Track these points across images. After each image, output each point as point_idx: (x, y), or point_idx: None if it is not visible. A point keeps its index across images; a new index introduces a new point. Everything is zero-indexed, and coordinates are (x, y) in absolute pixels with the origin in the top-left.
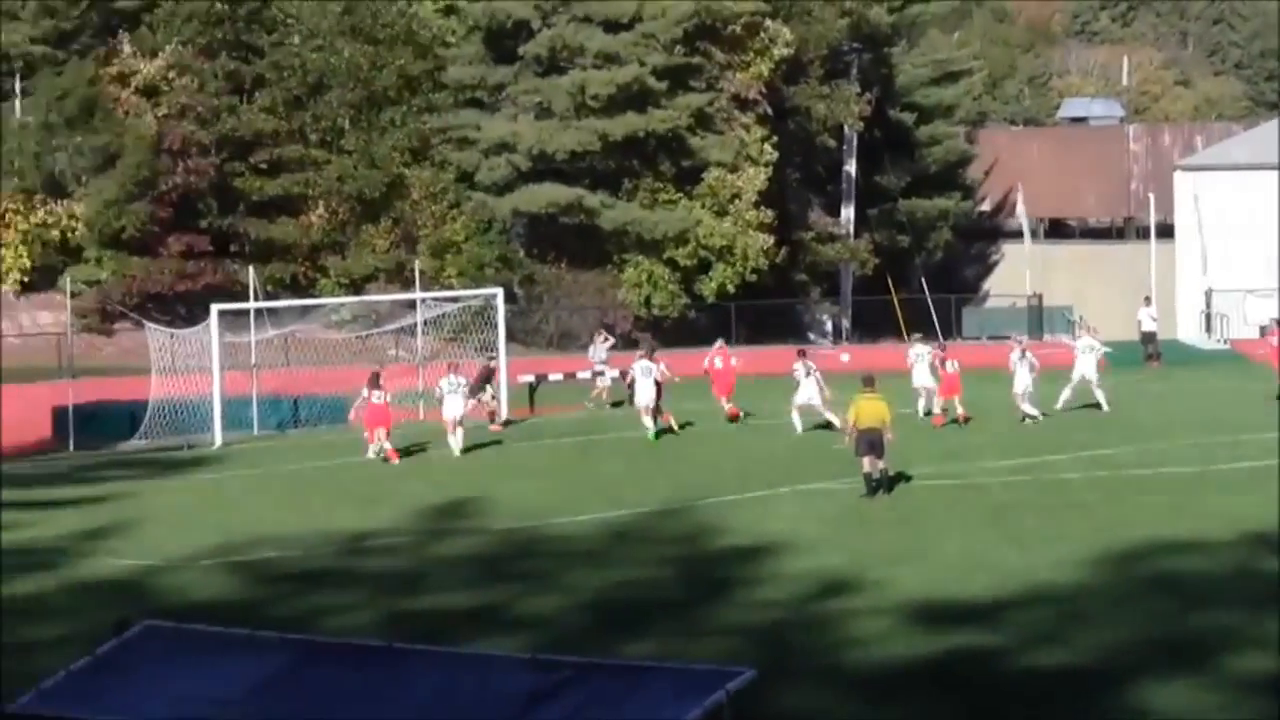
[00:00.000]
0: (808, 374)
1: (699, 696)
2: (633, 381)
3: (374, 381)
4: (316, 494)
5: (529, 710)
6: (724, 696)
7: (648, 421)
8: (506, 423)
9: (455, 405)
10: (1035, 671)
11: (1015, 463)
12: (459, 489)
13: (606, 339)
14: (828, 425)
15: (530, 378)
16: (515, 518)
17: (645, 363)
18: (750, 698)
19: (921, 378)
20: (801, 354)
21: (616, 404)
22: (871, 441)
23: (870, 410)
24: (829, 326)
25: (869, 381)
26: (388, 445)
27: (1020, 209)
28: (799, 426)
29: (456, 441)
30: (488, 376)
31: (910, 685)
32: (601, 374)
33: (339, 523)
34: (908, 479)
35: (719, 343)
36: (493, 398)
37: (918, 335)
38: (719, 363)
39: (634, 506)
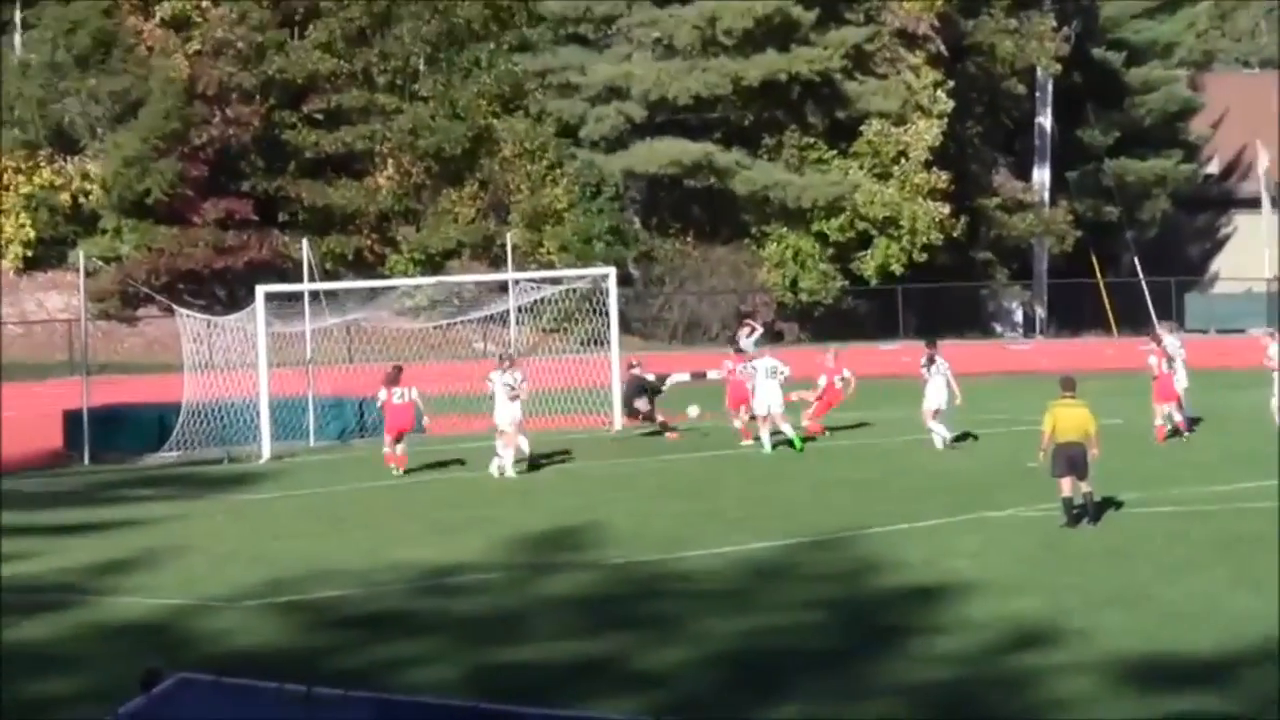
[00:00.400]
0: (935, 373)
1: None
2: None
3: (394, 378)
4: (387, 519)
5: None
6: None
7: (764, 434)
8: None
9: (510, 410)
10: None
11: (1252, 486)
12: (564, 514)
13: (752, 331)
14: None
15: (650, 377)
16: (633, 550)
17: (770, 361)
18: None
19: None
20: (931, 348)
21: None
22: (1072, 459)
23: (1070, 420)
24: (1019, 316)
25: (1069, 385)
26: (398, 449)
27: (1260, 171)
28: (940, 438)
29: (507, 457)
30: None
31: None
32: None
33: (415, 554)
34: (1117, 505)
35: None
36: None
37: (1168, 324)
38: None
39: (780, 537)
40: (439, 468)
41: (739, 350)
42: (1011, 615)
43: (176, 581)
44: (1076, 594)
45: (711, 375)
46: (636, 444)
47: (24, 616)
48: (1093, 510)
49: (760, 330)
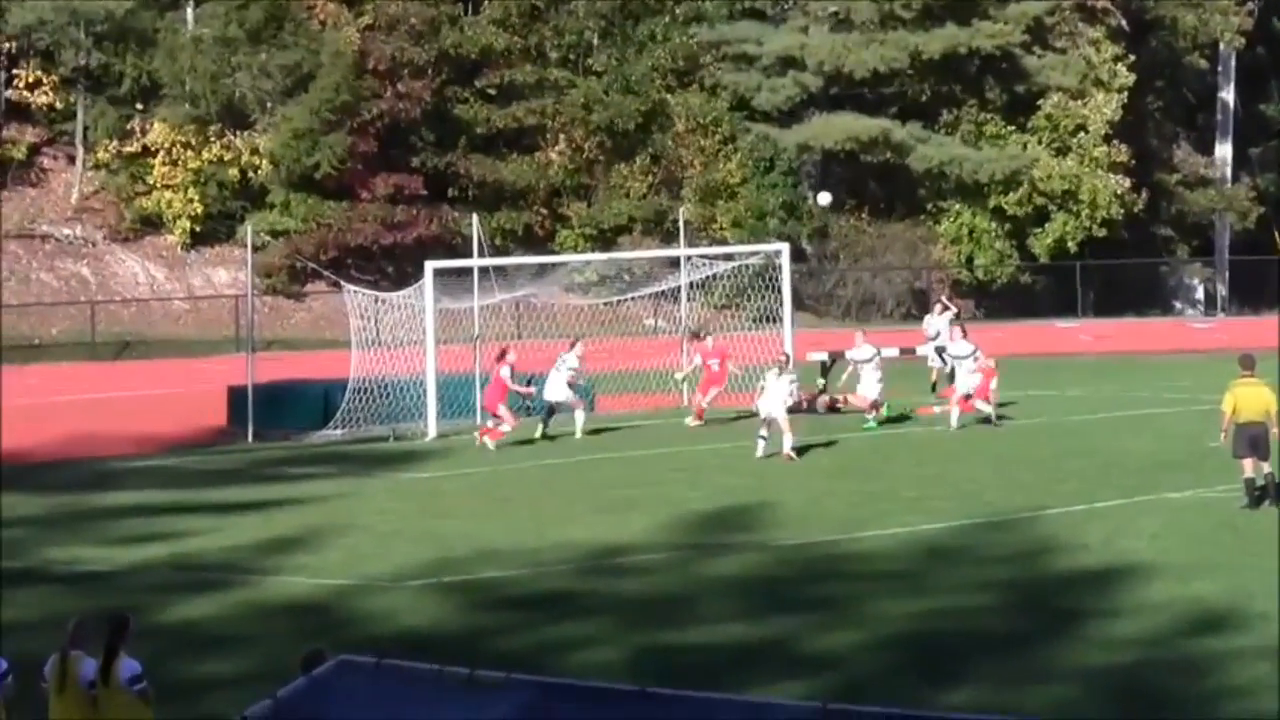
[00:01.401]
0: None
1: None
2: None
3: (501, 357)
4: (554, 498)
5: None
6: None
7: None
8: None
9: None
10: None
11: None
12: (733, 494)
13: (945, 309)
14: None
15: (823, 355)
16: (804, 530)
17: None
18: None
19: None
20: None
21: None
22: (1254, 438)
23: (1251, 399)
24: (1200, 293)
25: (1248, 364)
26: (491, 423)
27: None
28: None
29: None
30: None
31: None
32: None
33: (581, 534)
34: None
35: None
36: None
37: None
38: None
39: (954, 518)
40: (609, 446)
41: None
42: (1191, 598)
43: (340, 561)
44: (1258, 576)
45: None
46: (810, 422)
47: (187, 595)
48: (1274, 491)
49: (953, 311)
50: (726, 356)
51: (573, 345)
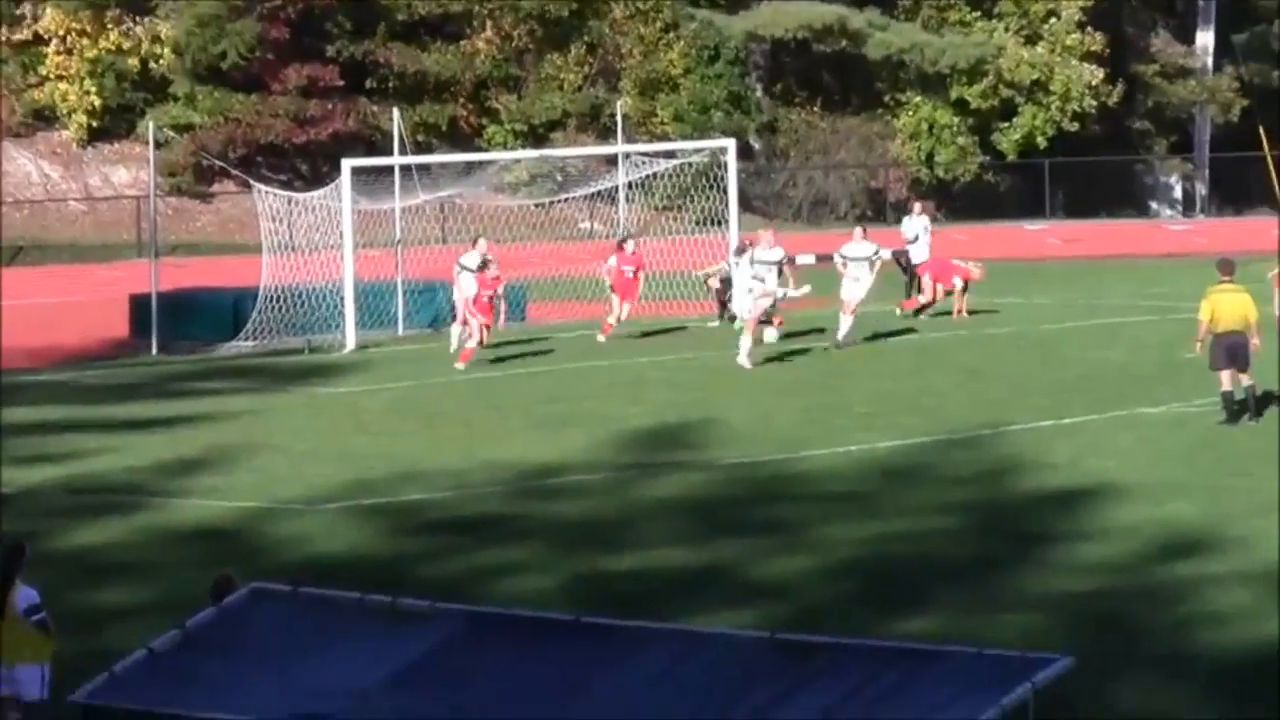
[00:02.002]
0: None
1: (996, 692)
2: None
3: (482, 267)
4: (482, 415)
5: (768, 711)
6: (1030, 692)
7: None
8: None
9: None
10: None
11: None
12: (675, 410)
13: (923, 212)
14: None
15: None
16: (751, 449)
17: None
18: (1065, 693)
19: None
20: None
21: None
22: (1232, 349)
23: (1231, 307)
24: (1178, 192)
25: (1228, 269)
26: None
27: None
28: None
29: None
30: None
31: None
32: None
33: (512, 454)
34: None
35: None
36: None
37: None
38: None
39: (911, 435)
40: (540, 358)
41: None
42: (1164, 520)
43: (251, 483)
44: (1237, 497)
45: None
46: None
47: (88, 520)
48: (1255, 405)
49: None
50: (642, 266)
51: (474, 243)
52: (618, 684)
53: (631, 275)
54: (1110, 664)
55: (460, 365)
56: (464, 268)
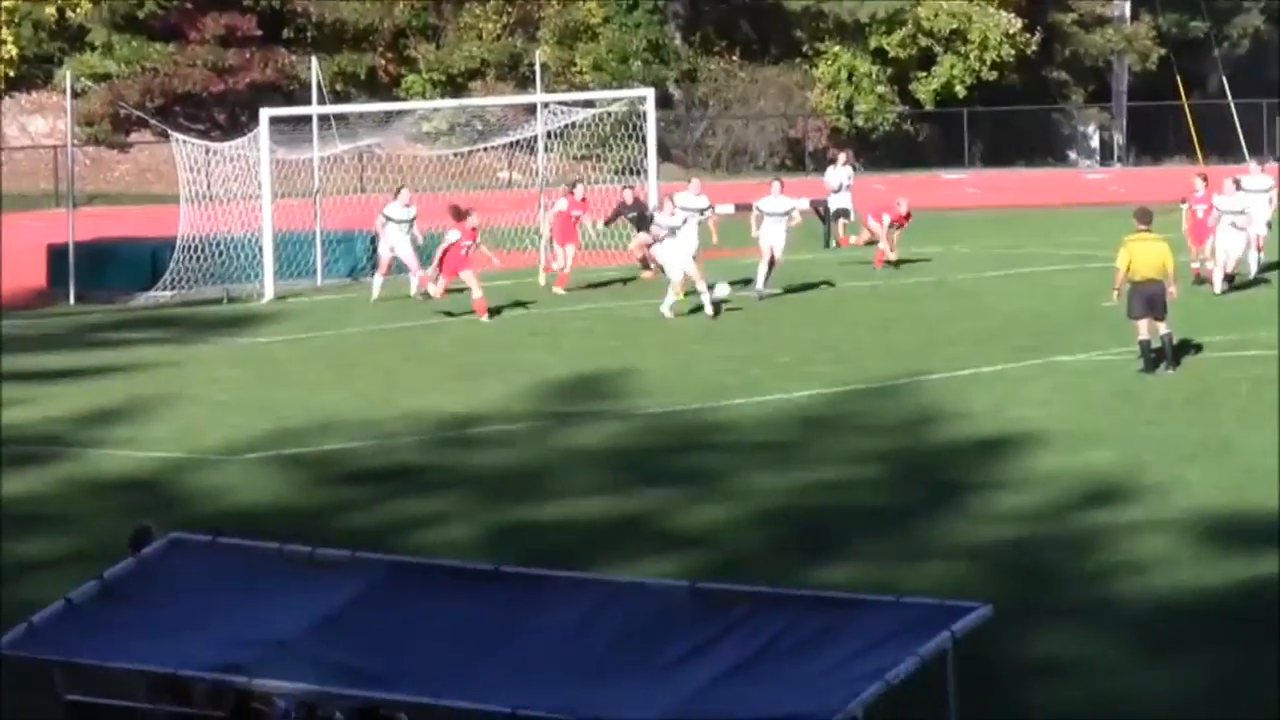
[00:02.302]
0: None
1: (915, 640)
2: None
3: (457, 215)
4: (401, 365)
5: (688, 660)
6: (949, 640)
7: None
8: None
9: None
10: None
11: None
12: (595, 359)
13: (847, 161)
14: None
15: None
16: (671, 398)
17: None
18: (984, 641)
19: (1256, 219)
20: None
21: None
22: (1150, 298)
23: (1148, 256)
24: (1095, 142)
25: (1145, 218)
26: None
27: None
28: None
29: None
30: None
31: (1202, 626)
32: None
33: (431, 403)
34: (1199, 349)
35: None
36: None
37: (1255, 160)
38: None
39: (831, 384)
40: (461, 308)
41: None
42: (1083, 469)
43: (169, 433)
44: (1154, 445)
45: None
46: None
47: (4, 471)
48: (1172, 354)
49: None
50: (587, 211)
51: (396, 194)
52: (537, 634)
53: (576, 221)
54: (1029, 612)
55: (484, 318)
56: (389, 219)
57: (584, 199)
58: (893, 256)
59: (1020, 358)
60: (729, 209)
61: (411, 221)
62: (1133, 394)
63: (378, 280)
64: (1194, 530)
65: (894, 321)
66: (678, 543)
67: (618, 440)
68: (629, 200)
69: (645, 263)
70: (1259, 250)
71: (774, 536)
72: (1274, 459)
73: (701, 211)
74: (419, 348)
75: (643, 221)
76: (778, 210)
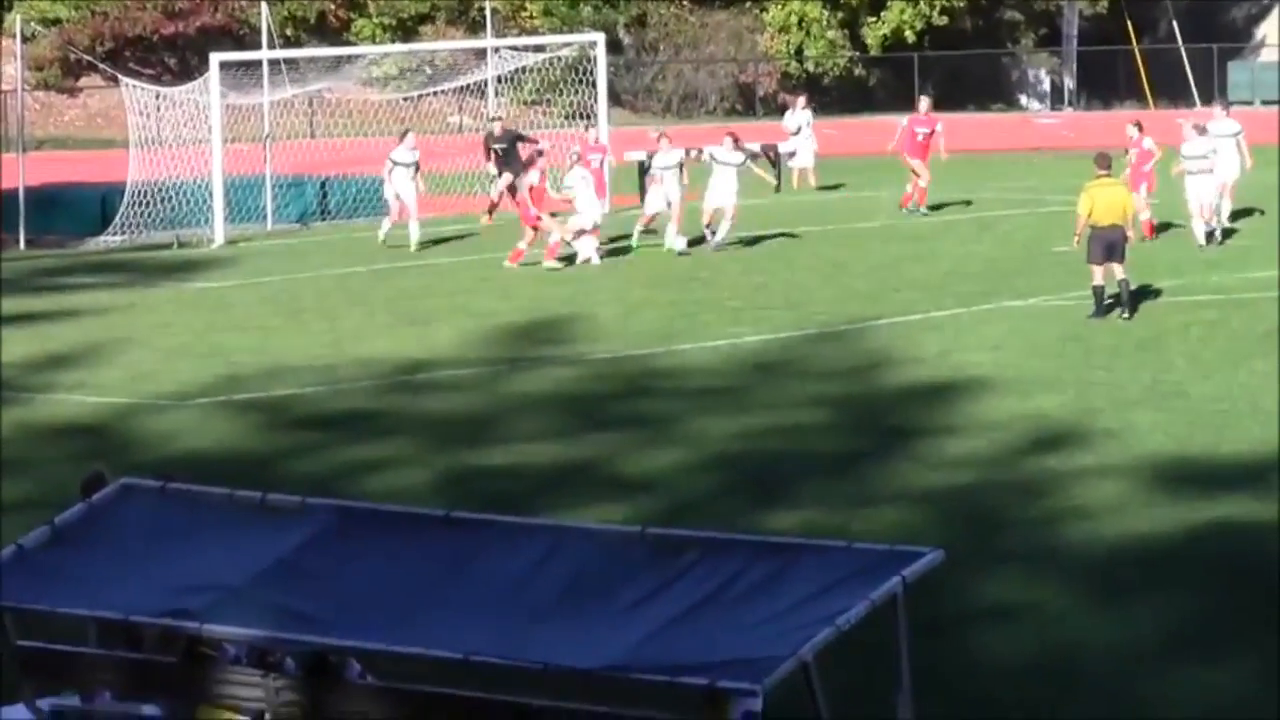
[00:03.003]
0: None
1: (865, 585)
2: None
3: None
4: (351, 310)
5: (638, 605)
6: (899, 585)
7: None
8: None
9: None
10: None
11: None
12: (545, 305)
13: (805, 106)
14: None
15: (641, 155)
16: (621, 343)
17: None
18: (934, 587)
19: (1225, 165)
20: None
21: None
22: (1110, 243)
23: (1108, 201)
24: (1046, 86)
25: (1104, 163)
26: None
27: None
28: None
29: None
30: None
31: (1152, 571)
32: (794, 154)
33: (382, 349)
34: (1153, 294)
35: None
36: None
37: (1219, 105)
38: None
39: (780, 329)
40: (412, 254)
41: None
42: (1033, 414)
43: (120, 378)
44: (1104, 391)
45: (783, 149)
46: (627, 225)
47: None
48: (1128, 299)
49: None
50: (606, 154)
51: (402, 138)
52: (488, 579)
53: (599, 166)
54: (979, 557)
55: (549, 262)
56: (395, 163)
57: (598, 141)
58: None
59: (971, 302)
60: (679, 153)
61: (416, 165)
62: (1083, 339)
63: (386, 224)
64: (1143, 476)
65: (844, 266)
66: (628, 488)
67: (568, 386)
68: (496, 131)
69: (493, 208)
70: (1229, 197)
71: (724, 482)
72: (1223, 405)
73: (678, 166)
74: (370, 293)
75: (510, 158)
76: (730, 162)
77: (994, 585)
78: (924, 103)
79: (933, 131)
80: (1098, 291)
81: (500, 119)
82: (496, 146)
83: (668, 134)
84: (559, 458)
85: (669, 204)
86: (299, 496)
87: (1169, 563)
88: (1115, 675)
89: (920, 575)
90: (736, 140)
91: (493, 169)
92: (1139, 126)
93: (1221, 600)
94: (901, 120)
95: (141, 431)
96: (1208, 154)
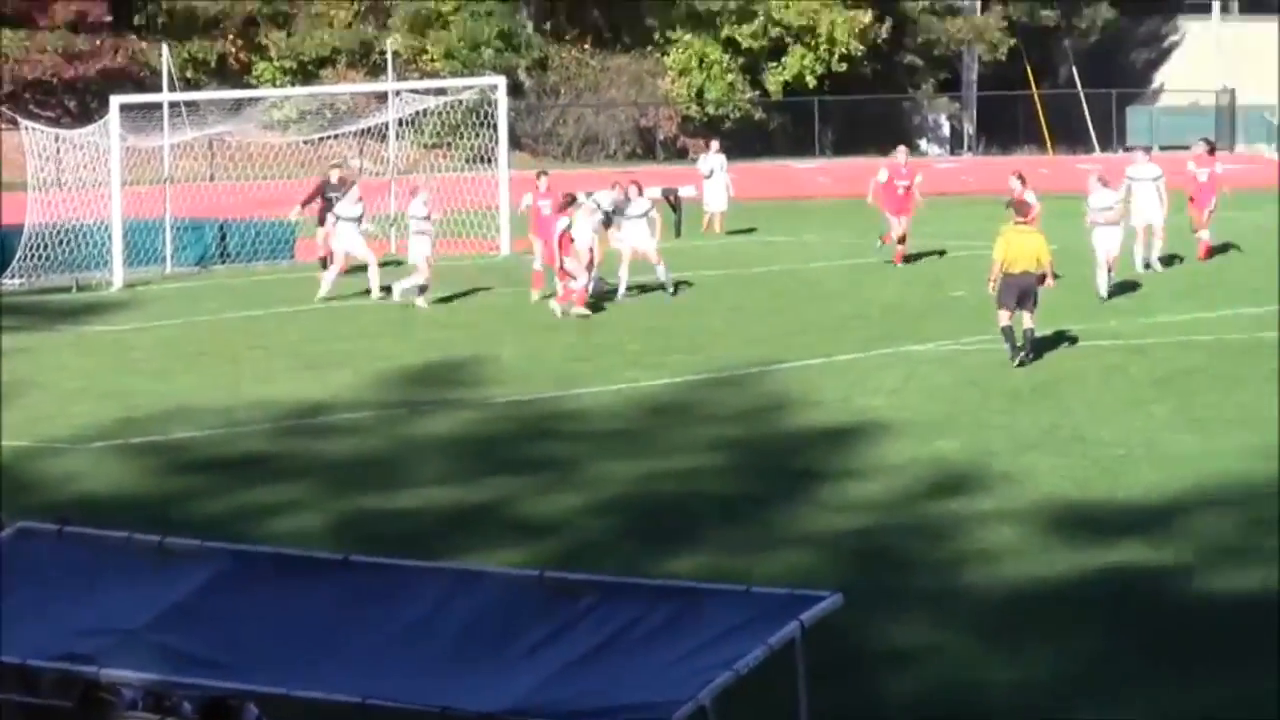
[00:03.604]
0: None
1: (764, 629)
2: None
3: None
4: (251, 353)
5: (538, 649)
6: (798, 629)
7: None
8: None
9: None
10: (1216, 597)
11: (1191, 318)
12: (446, 348)
13: (719, 150)
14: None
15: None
16: (520, 387)
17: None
18: (835, 629)
19: (1147, 209)
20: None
21: None
22: (1023, 290)
23: (1022, 247)
24: (945, 130)
25: (1022, 209)
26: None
27: None
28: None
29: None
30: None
31: (1050, 614)
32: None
33: (281, 392)
34: (1053, 340)
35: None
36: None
37: (1140, 148)
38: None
39: (681, 373)
40: (311, 297)
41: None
42: (932, 458)
43: (17, 421)
44: (1003, 435)
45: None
46: (527, 270)
47: None
48: (1030, 346)
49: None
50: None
51: (413, 194)
52: (387, 622)
53: (549, 212)
54: (880, 600)
55: (579, 309)
56: (413, 217)
57: (550, 188)
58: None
59: (871, 346)
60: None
61: (427, 218)
62: (981, 383)
63: (410, 281)
64: (1041, 519)
65: (745, 310)
66: (528, 531)
67: (468, 428)
68: (334, 179)
69: (326, 260)
70: (1159, 238)
71: (624, 525)
72: (1120, 450)
73: (645, 215)
74: (269, 336)
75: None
76: (638, 213)
77: (894, 628)
78: (901, 153)
79: (911, 184)
80: (1007, 332)
81: (340, 166)
82: (332, 195)
83: (638, 181)
84: (459, 501)
85: (633, 250)
86: (197, 540)
87: (1067, 606)
88: (1015, 717)
89: (820, 618)
90: (640, 187)
91: (314, 217)
92: (1021, 179)
93: (1119, 643)
94: (800, 163)
95: (39, 474)
96: (1114, 205)
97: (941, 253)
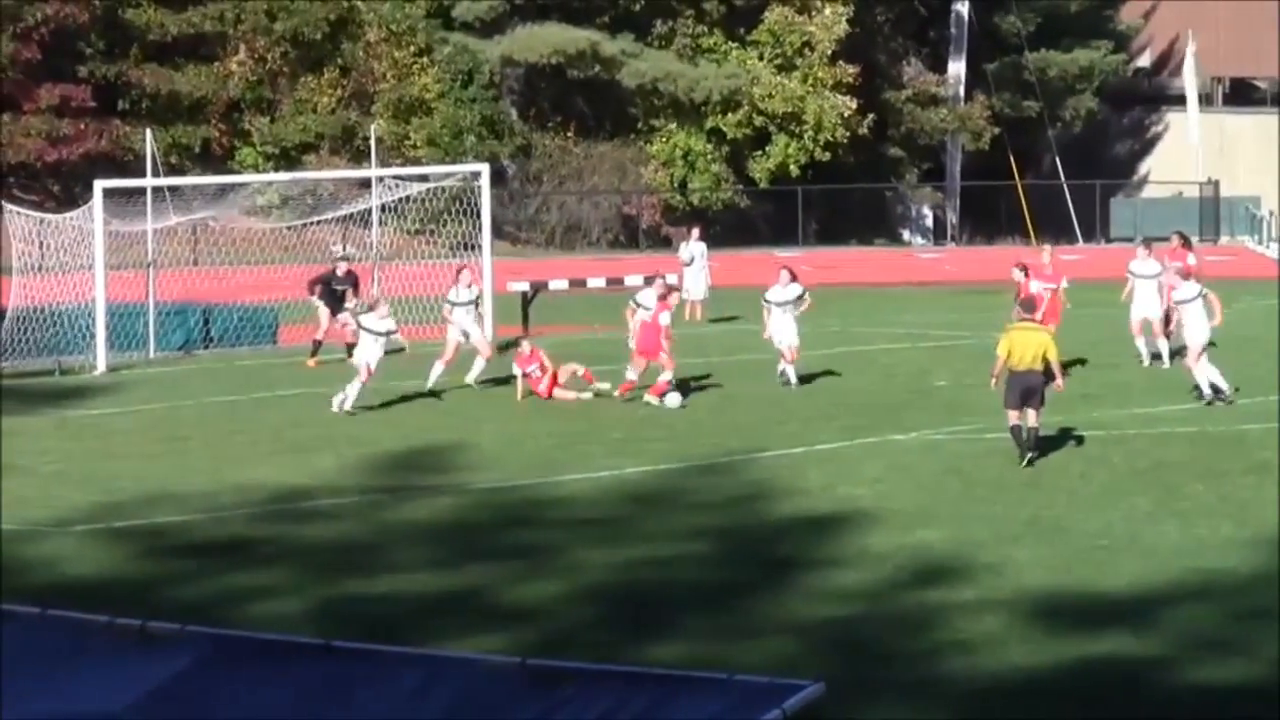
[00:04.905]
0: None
1: (746, 716)
2: None
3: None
4: (233, 437)
5: None
6: (779, 717)
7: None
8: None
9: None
10: (1200, 688)
11: (1176, 409)
12: (426, 434)
13: (700, 238)
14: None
15: (524, 286)
16: (502, 473)
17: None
18: (816, 719)
19: (1146, 305)
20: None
21: None
22: (1027, 388)
23: (1028, 345)
24: (929, 220)
25: (1029, 306)
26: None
27: (1189, 65)
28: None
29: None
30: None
31: (1032, 705)
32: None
33: (262, 476)
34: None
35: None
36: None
37: (1140, 242)
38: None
39: (663, 460)
40: (294, 382)
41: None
42: (915, 547)
43: None
44: (986, 525)
45: (591, 284)
46: (506, 358)
47: None
48: (1034, 445)
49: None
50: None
51: (457, 276)
52: (366, 708)
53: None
54: (861, 690)
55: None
56: (454, 304)
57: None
58: None
59: (853, 436)
60: (563, 284)
61: (476, 301)
62: (964, 473)
63: (439, 367)
64: (1023, 610)
65: (727, 399)
66: (508, 618)
67: (449, 515)
68: (340, 272)
69: (317, 348)
70: (1166, 336)
71: (604, 613)
72: (1103, 540)
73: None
74: (251, 421)
75: (341, 300)
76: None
77: (875, 717)
78: (1046, 253)
79: (1058, 288)
80: (1015, 431)
81: (347, 259)
82: (338, 287)
83: (663, 274)
84: (439, 587)
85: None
86: (178, 624)
87: (1048, 697)
88: None
89: (801, 707)
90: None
91: (322, 307)
92: (1025, 270)
93: None
94: (783, 252)
95: (20, 558)
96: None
97: (924, 342)
